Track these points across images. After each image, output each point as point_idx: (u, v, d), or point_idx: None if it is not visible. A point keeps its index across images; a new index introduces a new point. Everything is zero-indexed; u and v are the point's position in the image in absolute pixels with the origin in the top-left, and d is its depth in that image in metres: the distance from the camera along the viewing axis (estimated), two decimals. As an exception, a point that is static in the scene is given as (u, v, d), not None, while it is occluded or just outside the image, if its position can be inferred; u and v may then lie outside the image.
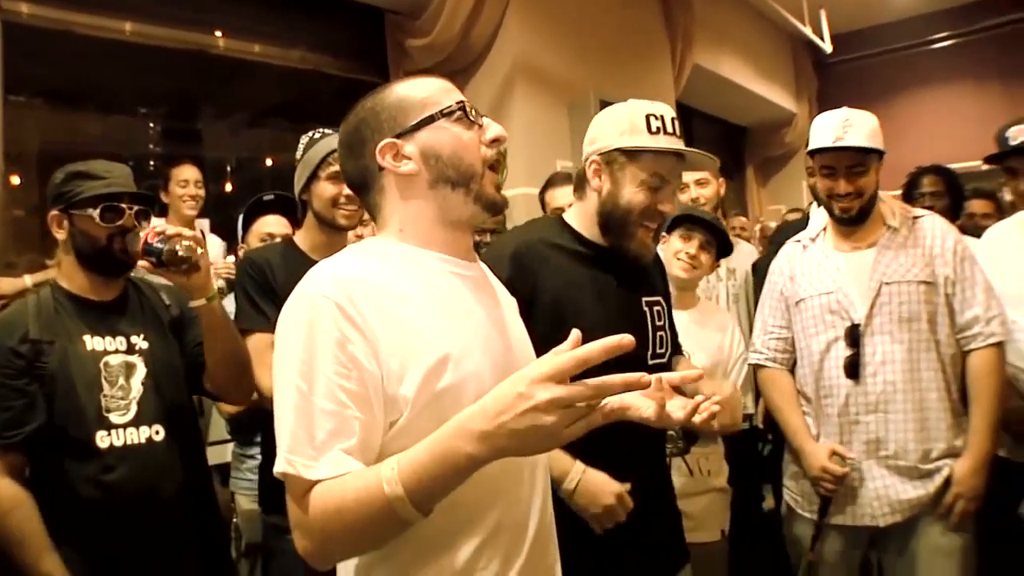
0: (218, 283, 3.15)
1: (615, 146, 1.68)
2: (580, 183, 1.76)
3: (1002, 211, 3.19)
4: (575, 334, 0.90)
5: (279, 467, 1.00)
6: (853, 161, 2.09)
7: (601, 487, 1.57)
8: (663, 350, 1.76)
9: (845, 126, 2.08)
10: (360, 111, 1.19)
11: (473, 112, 1.17)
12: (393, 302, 1.06)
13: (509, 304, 1.30)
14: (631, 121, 1.68)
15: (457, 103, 1.16)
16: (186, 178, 3.44)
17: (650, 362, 1.71)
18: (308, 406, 0.99)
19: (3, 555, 1.69)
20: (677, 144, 1.69)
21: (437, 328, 1.08)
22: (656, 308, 1.78)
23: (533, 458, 1.16)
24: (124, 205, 1.81)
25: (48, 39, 3.36)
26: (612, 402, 0.98)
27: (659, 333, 1.75)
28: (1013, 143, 2.26)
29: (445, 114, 1.15)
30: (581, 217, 1.75)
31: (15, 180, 3.71)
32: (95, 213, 1.78)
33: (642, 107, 1.71)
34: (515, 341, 1.23)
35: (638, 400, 1.18)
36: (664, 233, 2.40)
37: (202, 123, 4.63)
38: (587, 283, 1.67)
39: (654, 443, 1.81)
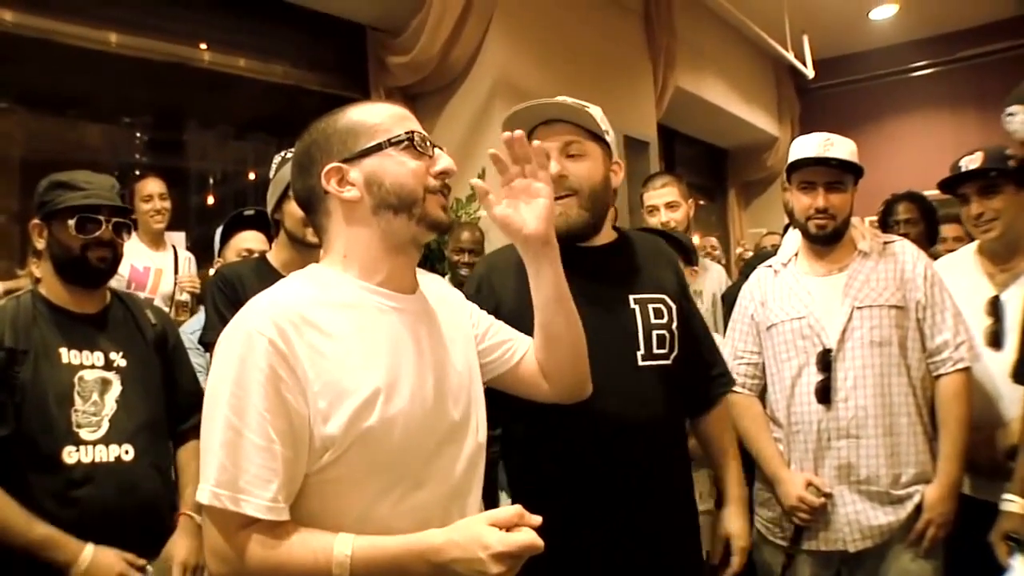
0: (183, 296, 3.11)
1: None
2: None
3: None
4: (517, 509, 1.06)
5: (204, 498, 1.02)
6: (833, 177, 2.12)
7: None
8: (663, 350, 1.64)
9: (827, 144, 2.12)
10: (313, 131, 1.21)
11: (423, 143, 1.19)
12: (325, 341, 1.08)
13: (454, 334, 1.29)
14: (506, 131, 1.75)
15: (406, 133, 1.18)
16: (150, 192, 3.40)
17: (641, 363, 1.62)
18: (239, 440, 1.02)
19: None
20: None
21: (366, 367, 1.10)
22: (652, 306, 1.66)
23: (460, 495, 1.20)
24: (102, 218, 1.80)
25: (33, 48, 3.36)
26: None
27: (656, 332, 1.64)
28: (964, 171, 2.29)
29: (393, 143, 1.17)
30: None
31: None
32: (71, 224, 1.78)
33: None
34: (453, 375, 1.23)
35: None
36: None
37: (186, 134, 4.61)
38: None
39: (674, 457, 1.73)
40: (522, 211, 1.27)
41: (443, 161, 1.21)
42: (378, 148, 1.16)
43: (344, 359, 1.08)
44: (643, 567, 1.59)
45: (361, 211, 1.17)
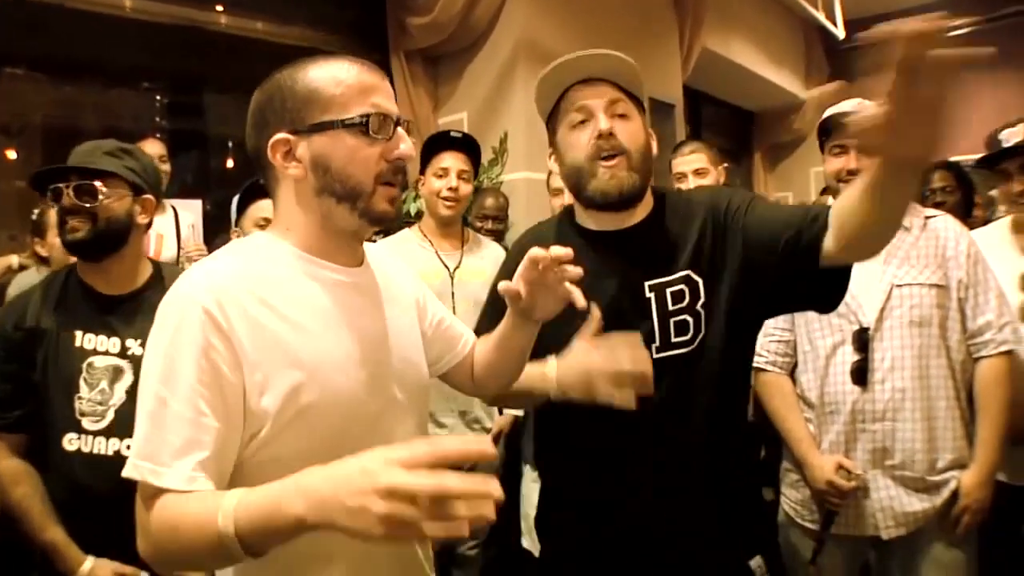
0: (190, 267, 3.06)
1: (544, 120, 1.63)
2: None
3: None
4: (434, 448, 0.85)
5: (127, 470, 0.98)
6: None
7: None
8: (683, 338, 1.48)
9: (860, 106, 2.03)
10: (271, 88, 1.13)
11: (381, 126, 1.09)
12: (264, 311, 1.04)
13: (401, 308, 1.26)
14: (541, 91, 1.58)
15: (361, 116, 1.08)
16: (149, 154, 3.34)
17: (656, 355, 1.46)
18: (164, 412, 0.97)
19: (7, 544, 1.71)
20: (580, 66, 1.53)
21: (306, 341, 1.06)
22: (670, 290, 1.49)
23: None
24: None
25: (47, 14, 3.33)
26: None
27: (673, 319, 1.48)
28: (1006, 145, 2.17)
29: (347, 125, 1.08)
30: (575, 205, 1.64)
31: (11, 155, 3.66)
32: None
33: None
34: (398, 350, 1.20)
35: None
36: None
37: (205, 99, 4.56)
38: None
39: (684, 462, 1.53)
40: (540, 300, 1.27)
41: (404, 146, 1.11)
42: (329, 126, 1.08)
43: (282, 332, 1.04)
44: (669, 558, 1.52)
45: (305, 189, 1.11)
